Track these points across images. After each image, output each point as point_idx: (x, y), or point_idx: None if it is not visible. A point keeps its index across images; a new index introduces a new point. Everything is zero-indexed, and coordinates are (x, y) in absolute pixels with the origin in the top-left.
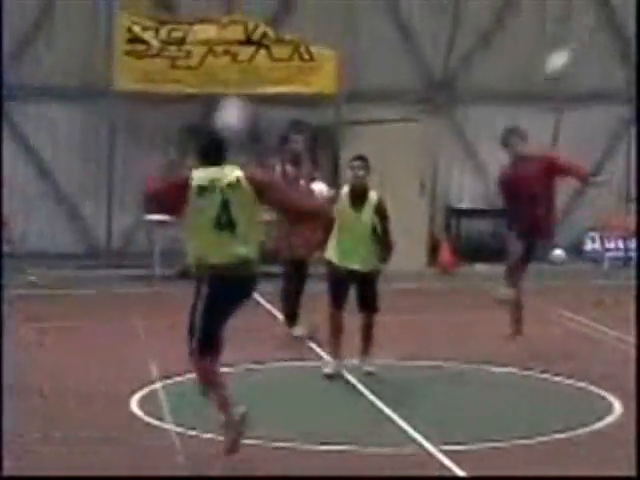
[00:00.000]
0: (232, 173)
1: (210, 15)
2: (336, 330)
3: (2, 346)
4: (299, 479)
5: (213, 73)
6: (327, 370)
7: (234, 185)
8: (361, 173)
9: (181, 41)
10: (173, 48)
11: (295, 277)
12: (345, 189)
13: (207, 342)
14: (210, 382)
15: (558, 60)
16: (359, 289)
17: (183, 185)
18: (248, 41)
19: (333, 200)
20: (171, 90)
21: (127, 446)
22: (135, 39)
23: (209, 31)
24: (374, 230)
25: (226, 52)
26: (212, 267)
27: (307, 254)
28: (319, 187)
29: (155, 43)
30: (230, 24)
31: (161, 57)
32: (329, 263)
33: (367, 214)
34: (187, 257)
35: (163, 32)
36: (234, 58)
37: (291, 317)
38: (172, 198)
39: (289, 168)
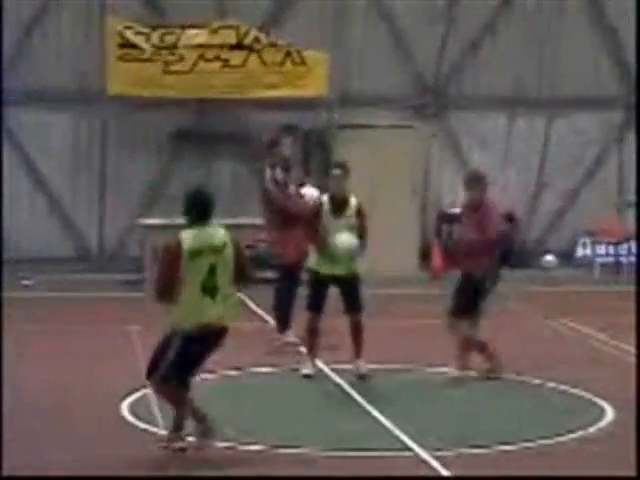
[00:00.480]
0: (219, 235)
1: (202, 20)
2: (313, 333)
3: (2, 346)
4: (299, 479)
5: (205, 78)
6: (306, 371)
7: (221, 249)
8: (342, 183)
9: (173, 46)
10: (165, 53)
11: (287, 282)
12: (325, 197)
13: (170, 379)
14: (176, 403)
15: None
16: (343, 292)
17: (177, 257)
18: (240, 46)
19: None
20: (163, 95)
21: (117, 450)
22: (127, 44)
23: (201, 36)
24: (353, 231)
25: (218, 57)
26: (189, 329)
27: (299, 259)
28: (310, 192)
29: (147, 47)
30: (222, 29)
31: (153, 62)
32: (310, 270)
33: (348, 219)
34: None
35: (155, 37)
36: (226, 63)
37: (283, 323)
38: (173, 285)
39: (278, 173)
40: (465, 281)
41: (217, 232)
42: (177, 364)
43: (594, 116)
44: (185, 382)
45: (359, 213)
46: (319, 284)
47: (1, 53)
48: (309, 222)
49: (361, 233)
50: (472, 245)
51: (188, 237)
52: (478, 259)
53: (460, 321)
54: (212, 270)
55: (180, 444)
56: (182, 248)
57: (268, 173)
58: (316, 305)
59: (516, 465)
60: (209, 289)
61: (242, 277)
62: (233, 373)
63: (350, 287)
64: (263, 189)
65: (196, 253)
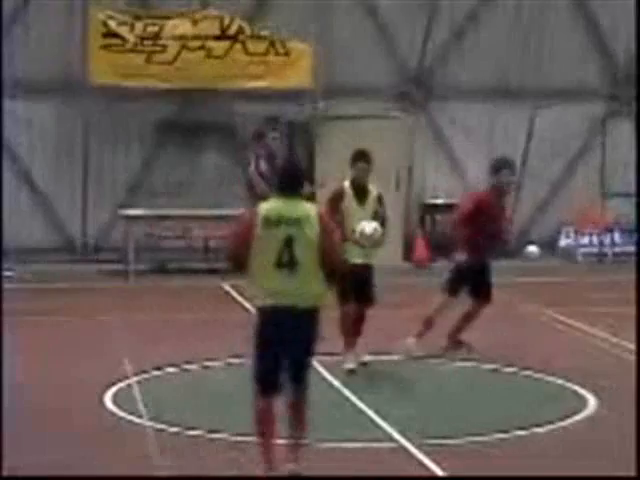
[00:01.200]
0: (302, 208)
1: (185, 10)
2: (348, 322)
3: (2, 345)
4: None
5: (188, 68)
6: (349, 365)
7: (301, 221)
8: (366, 173)
9: (156, 36)
10: (148, 43)
11: None
12: (347, 185)
13: (261, 380)
14: (259, 424)
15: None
16: (357, 282)
17: (251, 224)
18: (223, 36)
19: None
20: (146, 85)
21: (100, 441)
22: (110, 34)
23: (184, 26)
24: (375, 219)
25: (201, 47)
26: (266, 306)
27: None
28: None
29: (130, 38)
30: (205, 19)
31: (136, 52)
32: None
33: (370, 207)
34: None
35: (138, 27)
36: (209, 53)
37: None
38: (247, 251)
39: (263, 164)
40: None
41: (300, 205)
42: (257, 348)
43: (577, 107)
44: (269, 384)
45: (380, 202)
46: (348, 276)
47: (1, 53)
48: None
49: (383, 221)
50: (502, 229)
51: (266, 206)
52: (500, 243)
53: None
54: (289, 241)
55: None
56: (258, 215)
57: (253, 164)
58: (345, 296)
59: (492, 455)
60: (285, 263)
61: (327, 261)
62: (216, 364)
63: (366, 277)
64: (248, 180)
65: (271, 221)
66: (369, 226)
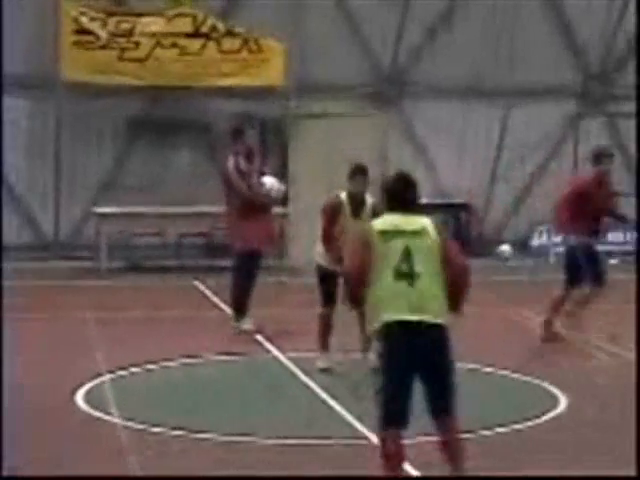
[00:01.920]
0: (419, 221)
1: (159, 7)
2: (326, 328)
3: (2, 345)
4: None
5: (161, 65)
6: (322, 364)
7: (419, 232)
8: (364, 187)
9: (129, 33)
10: (121, 40)
11: (245, 270)
12: (343, 197)
13: (387, 408)
14: (387, 460)
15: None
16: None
17: (368, 239)
18: (197, 33)
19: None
20: (119, 82)
21: (73, 439)
22: (83, 30)
23: (157, 23)
24: None
25: (174, 44)
26: (389, 323)
27: (259, 247)
28: (270, 181)
29: (103, 34)
30: (179, 16)
31: (109, 48)
32: (318, 265)
33: (365, 219)
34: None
35: (111, 23)
36: (182, 51)
37: (240, 311)
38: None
39: (242, 162)
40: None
41: (416, 218)
42: (384, 372)
43: (550, 106)
44: (397, 413)
45: (374, 213)
46: (329, 278)
47: (1, 53)
48: (269, 210)
49: None
50: (607, 213)
51: (379, 221)
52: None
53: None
54: (407, 253)
55: None
56: (373, 229)
57: (231, 162)
58: (330, 299)
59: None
60: (405, 274)
61: (449, 272)
62: (188, 361)
63: None
64: (225, 177)
65: (388, 234)
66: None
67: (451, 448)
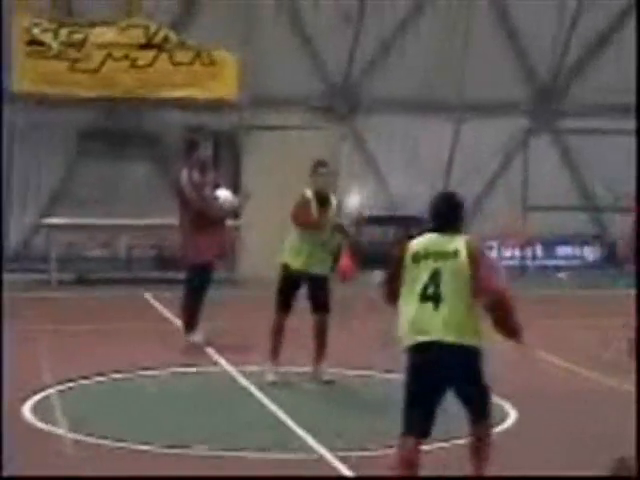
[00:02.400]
0: (453, 242)
1: (111, 18)
2: (279, 336)
3: (2, 345)
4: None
5: (112, 77)
6: (271, 378)
7: (450, 254)
8: (328, 180)
9: (81, 44)
10: (72, 51)
11: (197, 283)
12: (309, 194)
13: (407, 427)
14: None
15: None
16: (313, 291)
17: (401, 258)
18: (149, 45)
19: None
20: (70, 93)
21: (20, 452)
22: (34, 41)
23: (109, 34)
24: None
25: (126, 56)
26: (413, 345)
27: (211, 260)
28: (224, 194)
29: (54, 45)
30: (130, 27)
31: (60, 59)
32: (284, 265)
33: (332, 216)
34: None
35: (62, 34)
36: (134, 62)
37: (190, 323)
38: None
39: (196, 175)
40: None
41: (452, 240)
42: (406, 393)
43: (500, 121)
44: (416, 426)
45: (339, 210)
46: (291, 281)
47: (1, 52)
48: (222, 222)
49: (342, 230)
50: None
51: (417, 241)
52: None
53: None
54: (435, 275)
55: None
56: (408, 249)
57: (185, 174)
58: (286, 305)
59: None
60: (430, 297)
61: (483, 291)
62: (139, 373)
63: (322, 286)
64: (179, 190)
65: (419, 255)
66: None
67: (478, 449)
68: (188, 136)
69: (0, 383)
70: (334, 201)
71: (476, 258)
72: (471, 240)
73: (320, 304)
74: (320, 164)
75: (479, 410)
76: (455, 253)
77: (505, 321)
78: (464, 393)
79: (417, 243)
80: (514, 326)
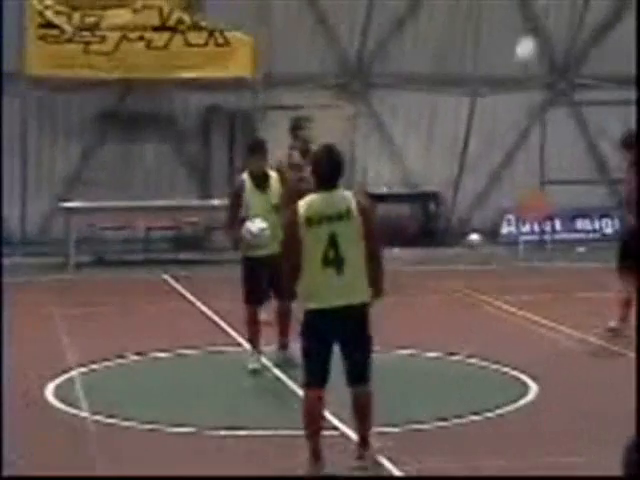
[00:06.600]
0: (342, 202)
1: (123, 0)
2: (256, 327)
3: (2, 344)
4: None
5: (127, 58)
6: (253, 365)
7: (343, 215)
8: (263, 164)
9: (95, 26)
10: (87, 33)
11: None
12: (245, 176)
13: (310, 373)
14: (306, 416)
15: (526, 47)
16: (271, 275)
17: (295, 226)
18: (163, 26)
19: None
20: (85, 75)
21: (42, 435)
22: (47, 24)
23: (123, 16)
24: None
25: (141, 37)
26: (315, 309)
27: None
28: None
29: (68, 28)
30: (145, 9)
31: (74, 42)
32: (245, 257)
33: (273, 192)
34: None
35: (76, 17)
36: (149, 44)
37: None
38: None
39: (296, 156)
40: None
41: (342, 199)
42: (305, 361)
43: (516, 95)
44: (319, 377)
45: (282, 180)
46: (257, 270)
47: (1, 52)
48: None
49: (285, 197)
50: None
51: (305, 204)
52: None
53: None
54: (332, 239)
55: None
56: (298, 215)
57: (285, 153)
58: (256, 296)
59: (429, 444)
60: (332, 261)
61: (368, 250)
62: (159, 355)
63: (279, 268)
64: (277, 168)
65: (313, 220)
66: (254, 226)
67: (364, 411)
68: (294, 121)
69: (0, 382)
70: (273, 174)
71: (368, 216)
72: (360, 197)
73: (279, 289)
74: (256, 146)
75: (364, 372)
76: (347, 212)
77: (379, 278)
78: (355, 355)
79: (308, 208)
80: (382, 285)
